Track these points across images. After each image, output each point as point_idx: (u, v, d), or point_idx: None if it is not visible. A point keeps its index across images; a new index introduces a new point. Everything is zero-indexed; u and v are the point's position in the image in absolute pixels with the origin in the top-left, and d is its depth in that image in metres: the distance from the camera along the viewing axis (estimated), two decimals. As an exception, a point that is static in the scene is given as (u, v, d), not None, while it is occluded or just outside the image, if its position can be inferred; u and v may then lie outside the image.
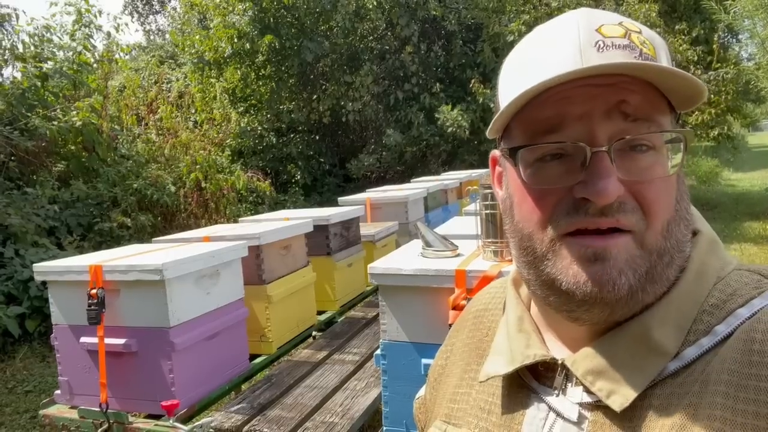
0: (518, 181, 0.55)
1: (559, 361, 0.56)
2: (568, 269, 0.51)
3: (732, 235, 7.87)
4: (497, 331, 0.66)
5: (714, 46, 8.62)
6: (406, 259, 1.86)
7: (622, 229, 0.50)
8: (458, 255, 1.84)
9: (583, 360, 0.54)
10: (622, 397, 0.50)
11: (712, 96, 9.03)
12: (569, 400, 0.55)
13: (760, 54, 7.49)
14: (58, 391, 2.44)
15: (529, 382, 0.59)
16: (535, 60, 0.53)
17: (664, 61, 0.52)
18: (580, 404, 0.54)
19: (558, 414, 0.55)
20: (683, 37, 8.71)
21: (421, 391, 0.82)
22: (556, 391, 0.56)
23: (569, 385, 0.55)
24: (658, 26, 8.29)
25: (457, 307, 1.62)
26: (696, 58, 8.44)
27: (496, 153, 0.63)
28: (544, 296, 0.55)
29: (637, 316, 0.52)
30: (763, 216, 9.09)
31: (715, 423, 0.45)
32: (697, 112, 9.23)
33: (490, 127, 0.56)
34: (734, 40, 12.35)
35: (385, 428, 1.87)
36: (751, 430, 0.44)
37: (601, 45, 0.50)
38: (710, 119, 9.26)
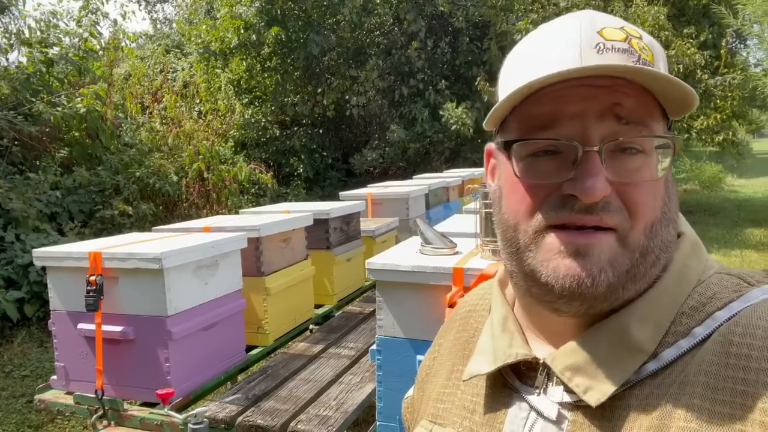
0: (510, 174, 0.56)
1: (541, 361, 0.57)
2: (549, 262, 0.52)
3: (733, 241, 7.85)
4: (482, 331, 0.67)
5: (722, 51, 8.58)
6: (405, 256, 1.86)
7: (604, 227, 0.51)
8: (456, 253, 1.84)
9: (562, 356, 0.55)
10: (598, 392, 0.51)
11: (718, 101, 8.99)
12: (549, 399, 0.55)
13: (768, 60, 7.46)
14: (54, 377, 2.45)
15: (512, 382, 0.60)
16: (536, 57, 0.54)
17: (662, 68, 0.53)
18: (561, 404, 0.54)
19: (539, 413, 0.56)
20: (691, 41, 8.65)
21: (410, 392, 0.83)
22: (538, 390, 0.57)
23: (550, 384, 0.56)
24: (666, 29, 8.24)
25: (454, 305, 1.62)
26: (703, 62, 8.39)
27: (491, 146, 0.64)
28: (527, 287, 0.57)
29: (617, 312, 0.53)
30: (765, 223, 9.07)
31: (692, 424, 0.46)
32: (702, 117, 9.19)
33: (487, 118, 0.57)
34: (742, 45, 12.30)
35: (378, 423, 1.87)
36: None
37: (601, 47, 0.51)
38: (716, 124, 9.22)
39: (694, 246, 0.58)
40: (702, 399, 0.47)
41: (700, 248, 0.58)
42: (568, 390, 0.54)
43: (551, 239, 0.52)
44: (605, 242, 0.51)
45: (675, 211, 0.56)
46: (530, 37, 0.57)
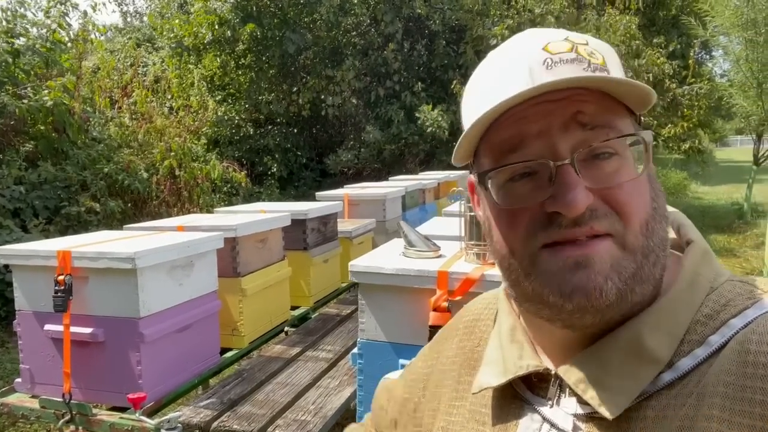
0: (493, 204, 0.56)
1: (553, 372, 0.56)
2: (552, 281, 0.51)
3: (698, 246, 8.05)
4: (489, 341, 0.66)
5: (690, 61, 8.81)
6: (388, 258, 1.83)
7: (599, 234, 0.50)
8: (440, 256, 1.82)
9: (575, 368, 0.53)
10: (614, 405, 0.50)
11: (686, 110, 9.23)
12: (563, 410, 0.54)
13: (734, 71, 7.69)
14: (18, 379, 2.35)
15: (523, 393, 0.59)
16: (489, 85, 0.55)
17: (615, 67, 0.53)
18: (575, 415, 0.53)
19: (552, 425, 0.55)
20: (660, 50, 8.87)
21: (393, 375, 0.81)
22: (550, 402, 0.56)
23: (563, 395, 0.55)
24: (637, 39, 8.43)
25: (438, 309, 1.61)
26: (672, 71, 8.61)
27: (472, 178, 0.64)
28: (536, 310, 0.55)
29: (628, 321, 0.52)
30: (728, 229, 9.35)
31: None
32: (669, 125, 9.43)
33: (453, 154, 0.58)
34: (708, 56, 12.69)
35: (358, 428, 1.84)
36: None
37: (550, 62, 0.51)
38: (682, 132, 9.48)
39: (705, 254, 0.57)
40: (721, 410, 0.46)
41: (710, 256, 0.58)
42: (582, 401, 0.53)
43: (549, 258, 0.51)
44: (603, 249, 0.50)
45: (664, 207, 0.56)
46: (481, 67, 0.58)
